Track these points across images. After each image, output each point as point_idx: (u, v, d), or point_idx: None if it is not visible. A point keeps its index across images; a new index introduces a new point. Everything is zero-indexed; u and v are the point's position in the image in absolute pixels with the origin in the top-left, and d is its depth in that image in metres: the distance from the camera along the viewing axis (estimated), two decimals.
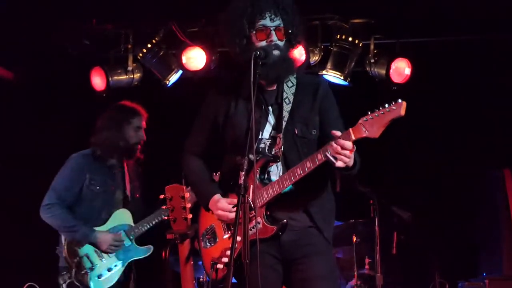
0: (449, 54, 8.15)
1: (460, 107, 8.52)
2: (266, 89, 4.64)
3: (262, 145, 4.56)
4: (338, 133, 4.21)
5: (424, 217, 8.28)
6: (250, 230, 4.42)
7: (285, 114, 4.57)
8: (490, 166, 8.68)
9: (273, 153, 4.54)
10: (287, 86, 4.65)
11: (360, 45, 8.09)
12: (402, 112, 4.07)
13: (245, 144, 4.26)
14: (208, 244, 4.72)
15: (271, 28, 4.53)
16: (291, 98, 4.61)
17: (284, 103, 4.60)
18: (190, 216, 4.53)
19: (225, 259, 4.46)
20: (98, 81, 8.35)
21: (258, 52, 4.40)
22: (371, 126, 4.12)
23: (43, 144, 6.70)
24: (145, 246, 6.37)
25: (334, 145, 4.19)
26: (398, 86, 7.99)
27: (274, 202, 4.49)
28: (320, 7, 7.90)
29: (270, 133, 4.58)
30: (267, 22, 4.54)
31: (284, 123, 4.55)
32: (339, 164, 4.21)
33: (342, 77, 8.05)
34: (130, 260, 6.34)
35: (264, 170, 4.54)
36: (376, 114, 4.12)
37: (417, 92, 8.16)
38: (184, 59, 8.05)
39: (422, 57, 8.07)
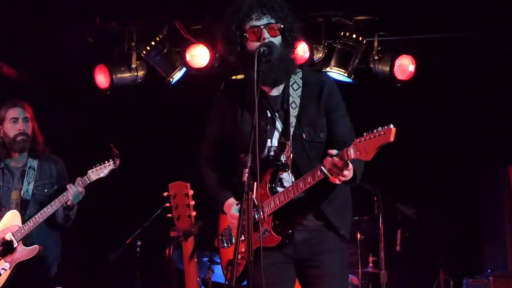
0: (453, 51, 8.14)
1: (464, 103, 8.51)
2: (270, 95, 4.61)
3: (271, 153, 4.56)
4: (334, 152, 4.18)
5: (429, 213, 8.28)
6: (259, 236, 4.47)
7: (292, 120, 4.53)
8: (494, 162, 8.67)
9: (282, 160, 4.53)
10: (293, 89, 4.60)
11: (364, 42, 8.08)
12: (391, 138, 4.03)
13: (253, 150, 4.24)
14: (225, 244, 4.78)
15: (261, 27, 4.47)
16: (298, 101, 4.57)
17: (290, 107, 4.56)
18: (194, 213, 4.52)
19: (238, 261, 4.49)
20: (102, 79, 8.36)
21: (262, 49, 4.35)
22: (363, 148, 4.08)
23: (47, 141, 6.70)
24: (31, 247, 6.28)
25: (330, 164, 4.17)
26: (402, 83, 7.98)
27: (291, 209, 4.50)
28: (324, 4, 7.90)
29: (279, 139, 4.57)
30: (254, 22, 4.48)
31: (292, 129, 4.53)
32: (335, 181, 4.22)
33: (346, 74, 8.05)
34: (17, 262, 6.27)
35: (274, 179, 4.55)
36: (368, 137, 4.07)
37: (421, 89, 8.16)
38: (187, 57, 8.04)
39: (426, 54, 8.06)
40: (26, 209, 6.43)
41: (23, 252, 6.28)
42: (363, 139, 4.09)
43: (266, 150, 4.55)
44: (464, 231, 8.68)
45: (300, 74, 4.67)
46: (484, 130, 8.52)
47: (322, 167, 4.23)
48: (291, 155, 4.50)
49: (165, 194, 4.57)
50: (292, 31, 4.56)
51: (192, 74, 8.20)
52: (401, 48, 8.08)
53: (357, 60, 8.14)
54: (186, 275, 4.61)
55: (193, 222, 4.52)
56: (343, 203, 4.65)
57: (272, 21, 4.49)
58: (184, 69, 8.29)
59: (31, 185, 6.50)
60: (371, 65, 8.22)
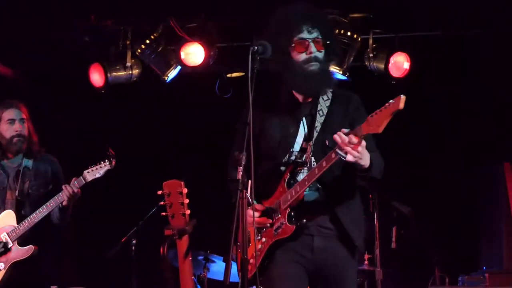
0: (448, 48, 8.15)
1: (459, 101, 8.51)
2: (302, 102, 4.75)
3: (292, 157, 4.65)
4: (345, 130, 4.29)
5: (424, 211, 8.28)
6: (275, 231, 4.60)
7: (317, 125, 4.64)
8: (490, 160, 8.67)
9: (303, 159, 4.62)
10: (323, 99, 4.73)
11: (359, 39, 8.08)
12: (401, 105, 4.12)
13: (276, 155, 4.56)
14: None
15: (309, 40, 4.62)
16: (325, 110, 4.69)
17: (318, 114, 4.67)
18: (188, 212, 4.52)
19: (252, 261, 4.54)
20: (96, 77, 8.35)
21: (256, 47, 4.40)
22: (375, 121, 4.19)
23: (42, 141, 6.70)
24: (26, 247, 6.26)
25: (341, 138, 4.26)
26: (397, 80, 8.00)
27: (306, 210, 4.57)
28: (319, 1, 7.87)
29: (301, 144, 4.67)
30: (304, 34, 4.63)
31: (315, 134, 4.63)
32: (349, 158, 4.27)
33: (341, 72, 8.05)
34: (12, 262, 6.26)
35: (294, 175, 4.62)
36: (380, 110, 4.20)
37: (416, 87, 8.16)
38: (182, 55, 8.04)
39: (421, 52, 8.07)
40: (21, 209, 6.43)
41: (18, 252, 6.28)
42: (375, 113, 4.21)
43: (287, 155, 4.66)
44: (459, 229, 8.69)
45: (331, 89, 4.81)
46: (479, 127, 8.52)
47: (337, 149, 4.32)
48: (311, 154, 4.59)
49: (159, 192, 4.57)
50: (335, 48, 4.77)
51: (187, 72, 8.20)
52: (396, 45, 8.09)
53: (352, 58, 8.14)
54: (180, 273, 4.61)
55: (187, 221, 4.52)
56: (360, 218, 4.78)
57: (320, 36, 4.65)
58: (179, 67, 8.28)
59: (26, 185, 6.50)
60: (366, 63, 8.23)
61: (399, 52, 8.02)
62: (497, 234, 8.54)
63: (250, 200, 4.26)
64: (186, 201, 4.56)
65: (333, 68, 7.95)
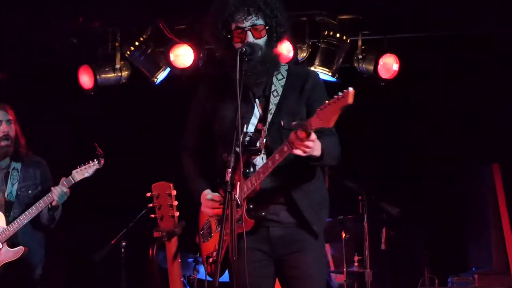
0: (437, 50, 8.16)
1: (448, 102, 8.53)
2: (254, 81, 4.56)
3: (247, 138, 4.47)
4: (293, 123, 4.13)
5: (413, 212, 8.30)
6: (237, 223, 4.37)
7: (272, 107, 4.49)
8: (479, 161, 8.69)
9: (257, 146, 4.45)
10: (277, 78, 4.56)
11: (348, 41, 8.09)
12: (350, 100, 3.95)
13: (231, 139, 4.20)
14: (204, 239, 4.69)
15: (247, 28, 4.43)
16: (280, 90, 4.53)
17: (272, 95, 4.51)
18: (177, 213, 4.52)
19: (215, 253, 4.38)
20: (86, 79, 8.33)
21: (244, 49, 4.32)
22: (324, 115, 4.01)
23: (31, 141, 6.69)
24: (15, 248, 6.27)
25: (291, 136, 4.14)
26: (386, 82, 8.00)
27: (260, 199, 4.43)
28: (308, 3, 7.90)
29: (256, 126, 4.51)
30: (239, 23, 4.43)
31: (270, 116, 4.47)
32: (297, 152, 4.13)
33: (330, 73, 8.06)
34: (2, 264, 6.26)
35: (248, 164, 4.46)
36: (329, 104, 4.00)
37: (405, 88, 8.18)
38: (172, 57, 8.03)
39: (410, 53, 8.08)
40: (10, 211, 6.42)
41: (7, 254, 6.27)
42: (323, 106, 4.03)
43: (241, 136, 4.39)
44: (448, 230, 8.71)
45: (285, 67, 4.64)
46: (468, 128, 8.54)
47: (287, 141, 4.19)
48: (265, 140, 4.44)
49: (148, 194, 4.57)
50: (278, 27, 4.51)
51: (176, 74, 8.19)
52: (385, 47, 8.10)
53: (341, 59, 8.15)
54: (169, 275, 4.61)
55: (176, 222, 4.53)
56: (320, 201, 4.59)
57: (258, 22, 4.45)
58: (168, 69, 8.28)
59: (15, 187, 6.49)
60: (355, 64, 8.23)
61: (388, 54, 8.03)
62: (486, 235, 8.56)
63: (239, 202, 4.22)
64: (175, 203, 4.56)
65: (321, 69, 8.01)
